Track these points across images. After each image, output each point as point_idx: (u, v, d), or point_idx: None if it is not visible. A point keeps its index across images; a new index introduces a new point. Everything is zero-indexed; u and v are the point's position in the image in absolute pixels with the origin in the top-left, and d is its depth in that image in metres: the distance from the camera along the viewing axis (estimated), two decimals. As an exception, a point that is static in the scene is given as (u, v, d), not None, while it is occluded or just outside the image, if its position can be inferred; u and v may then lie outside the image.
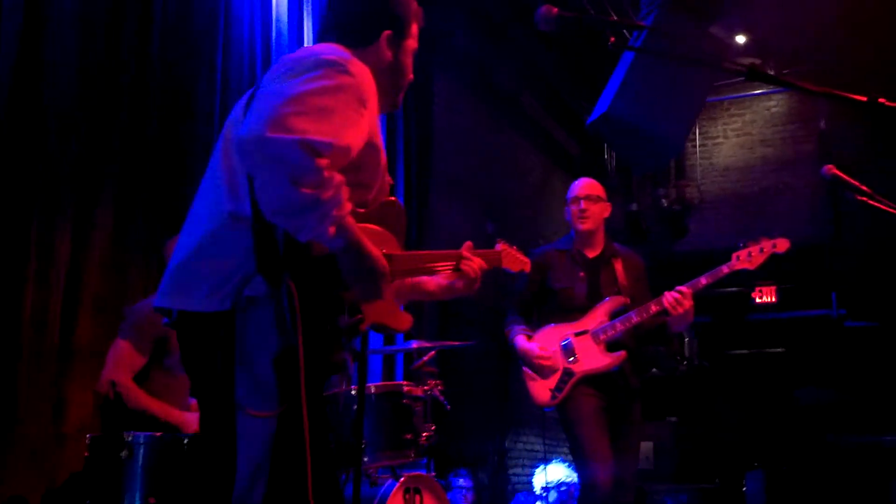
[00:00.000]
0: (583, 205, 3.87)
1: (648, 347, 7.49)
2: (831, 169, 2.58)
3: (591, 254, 3.90)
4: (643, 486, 6.72)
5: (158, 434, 2.90)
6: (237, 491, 1.82)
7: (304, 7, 5.31)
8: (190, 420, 3.31)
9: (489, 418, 7.11)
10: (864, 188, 2.48)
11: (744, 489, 6.66)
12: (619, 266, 3.87)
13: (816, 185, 8.91)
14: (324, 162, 1.71)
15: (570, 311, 3.79)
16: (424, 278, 2.40)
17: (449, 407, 3.91)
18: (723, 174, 9.85)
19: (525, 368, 3.80)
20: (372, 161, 1.99)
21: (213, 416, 1.96)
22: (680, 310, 3.58)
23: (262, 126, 1.70)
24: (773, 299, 8.97)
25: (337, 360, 1.94)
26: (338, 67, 1.86)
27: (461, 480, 5.75)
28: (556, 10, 2.18)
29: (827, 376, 8.26)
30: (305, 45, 5.14)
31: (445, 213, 6.72)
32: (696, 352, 8.88)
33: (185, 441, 2.88)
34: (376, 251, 1.88)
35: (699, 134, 9.87)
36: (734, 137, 9.88)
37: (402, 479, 3.49)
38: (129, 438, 2.83)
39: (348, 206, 1.78)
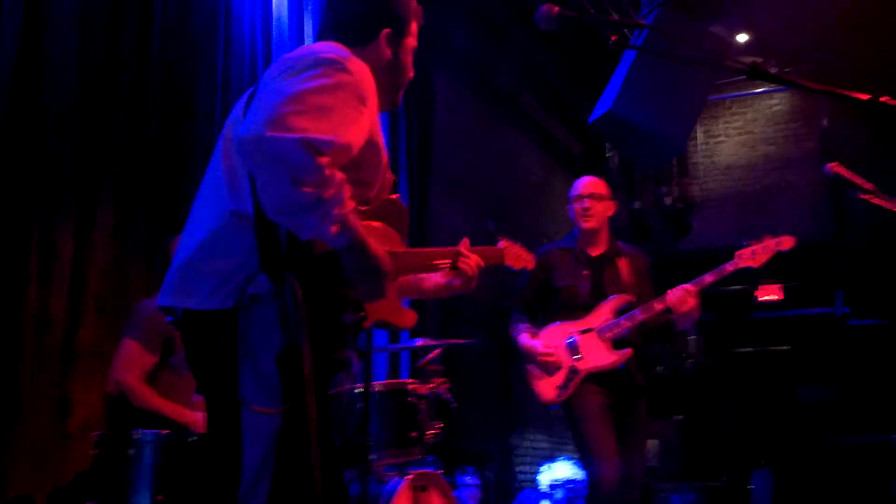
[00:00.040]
0: (586, 203, 3.87)
1: (653, 345, 7.49)
2: (834, 167, 2.58)
3: (595, 252, 3.91)
4: (650, 484, 6.73)
5: (165, 432, 2.91)
6: (242, 487, 1.83)
7: (305, 6, 5.32)
8: (200, 419, 3.32)
9: (495, 416, 7.12)
10: (867, 186, 2.49)
11: (750, 487, 6.66)
12: (623, 264, 3.88)
13: (819, 184, 8.91)
14: (325, 160, 1.72)
15: (574, 309, 3.80)
16: (422, 276, 2.39)
17: (455, 405, 3.92)
18: (725, 172, 9.84)
19: (530, 366, 3.81)
20: (373, 159, 2.00)
21: (218, 414, 1.97)
22: (685, 307, 3.59)
23: (262, 125, 1.70)
24: (778, 297, 8.97)
25: (341, 357, 1.95)
26: (337, 66, 1.87)
27: (467, 478, 5.76)
28: (556, 8, 2.19)
29: (832, 374, 8.25)
30: (306, 44, 5.15)
31: (447, 212, 6.73)
32: (701, 349, 8.88)
33: (193, 439, 2.90)
34: (380, 249, 1.88)
35: (701, 132, 9.87)
36: (736, 136, 9.88)
37: (409, 476, 3.50)
38: (137, 436, 2.85)
39: (351, 205, 1.78)
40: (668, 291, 3.63)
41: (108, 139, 3.94)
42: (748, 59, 2.20)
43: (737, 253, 3.69)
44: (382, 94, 2.07)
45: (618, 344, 3.71)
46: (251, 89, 2.05)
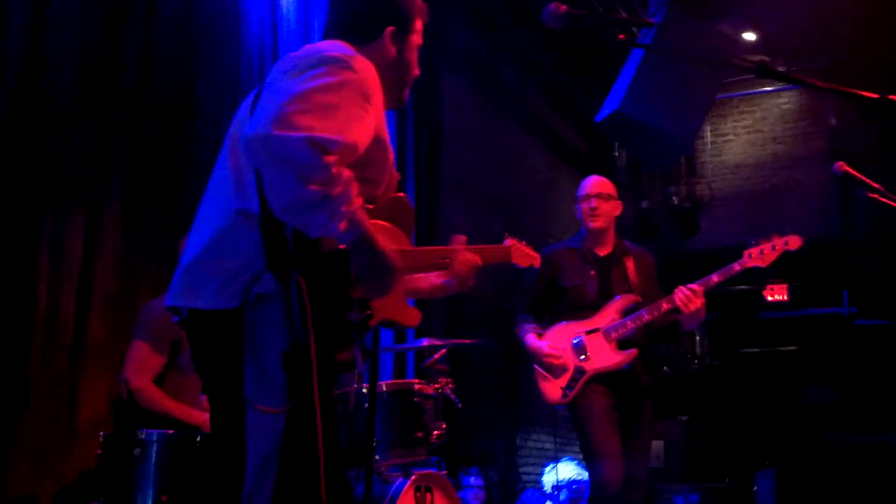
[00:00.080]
0: (594, 203, 3.86)
1: (659, 345, 7.47)
2: (842, 166, 2.57)
3: (602, 252, 3.90)
4: (654, 485, 6.71)
5: (171, 432, 2.92)
6: (246, 487, 1.83)
7: (312, 5, 5.32)
8: (209, 420, 3.32)
9: (500, 416, 7.11)
10: (876, 185, 2.47)
11: (754, 488, 6.64)
12: (630, 264, 3.87)
13: (827, 182, 8.87)
14: (331, 158, 1.71)
15: (580, 309, 3.79)
16: (417, 276, 2.38)
17: (460, 405, 3.91)
18: (733, 171, 9.81)
19: (536, 367, 3.80)
20: (379, 157, 2.00)
21: (222, 413, 1.97)
22: (692, 307, 3.58)
23: (268, 125, 1.70)
24: (785, 297, 8.94)
25: (347, 357, 1.94)
26: (341, 64, 1.86)
27: (472, 479, 5.75)
28: (564, 7, 2.18)
29: (838, 375, 8.22)
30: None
31: (454, 211, 6.72)
32: (707, 350, 8.86)
33: (198, 439, 2.90)
34: (388, 245, 1.88)
35: (709, 131, 9.83)
36: (744, 134, 9.85)
37: (414, 477, 3.49)
38: (143, 436, 2.85)
39: (359, 202, 1.78)
40: (676, 291, 3.61)
41: (114, 138, 3.95)
42: (756, 58, 2.19)
43: (744, 252, 3.67)
44: (388, 91, 2.07)
45: (623, 344, 3.70)
46: (257, 88, 2.05)
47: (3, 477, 3.28)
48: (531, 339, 3.80)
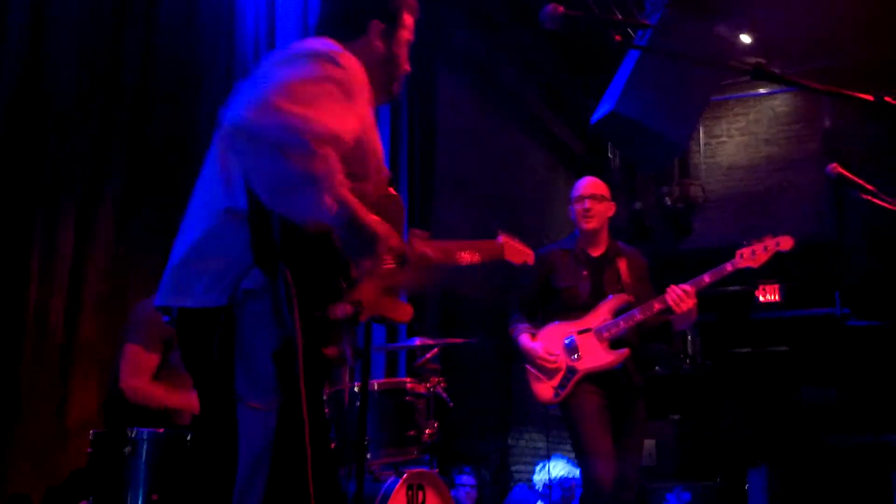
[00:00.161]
0: (587, 204, 3.87)
1: (652, 345, 7.49)
2: (836, 167, 2.57)
3: (595, 253, 3.90)
4: (645, 484, 6.73)
5: (162, 430, 2.91)
6: (238, 485, 1.82)
7: (309, 5, 5.31)
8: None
9: (492, 415, 7.11)
10: (869, 187, 2.48)
11: (746, 487, 6.66)
12: (622, 265, 3.87)
13: (821, 184, 8.90)
14: (312, 139, 1.71)
15: (573, 309, 3.80)
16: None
17: (452, 404, 3.91)
18: (727, 173, 9.83)
19: (528, 367, 3.80)
20: (366, 153, 1.98)
21: (213, 411, 1.97)
22: (683, 307, 3.58)
23: (246, 110, 1.70)
24: (777, 298, 8.96)
25: (335, 352, 1.93)
26: (326, 58, 1.87)
27: (464, 477, 5.75)
28: (561, 8, 2.19)
29: (831, 375, 8.25)
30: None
31: (449, 211, 6.72)
32: (699, 350, 8.88)
33: (189, 437, 2.89)
34: (373, 217, 1.88)
35: (703, 133, 9.86)
36: (738, 136, 9.87)
37: (405, 475, 3.49)
38: (133, 435, 2.84)
39: (343, 181, 1.78)
40: (667, 291, 3.62)
41: (109, 139, 3.94)
42: (752, 60, 2.19)
43: (737, 253, 3.68)
44: (377, 87, 2.06)
45: (615, 344, 3.70)
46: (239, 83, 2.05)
47: (1, 477, 3.27)
48: (525, 340, 3.81)
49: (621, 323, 3.69)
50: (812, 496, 6.36)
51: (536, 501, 6.16)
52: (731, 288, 8.65)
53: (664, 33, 5.33)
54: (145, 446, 2.83)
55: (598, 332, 3.71)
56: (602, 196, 3.91)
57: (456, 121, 7.04)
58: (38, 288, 3.50)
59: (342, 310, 1.87)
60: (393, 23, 2.14)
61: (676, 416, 8.09)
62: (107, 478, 2.82)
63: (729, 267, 3.65)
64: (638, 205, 9.69)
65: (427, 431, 3.62)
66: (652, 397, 3.95)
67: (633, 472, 3.67)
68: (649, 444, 7.34)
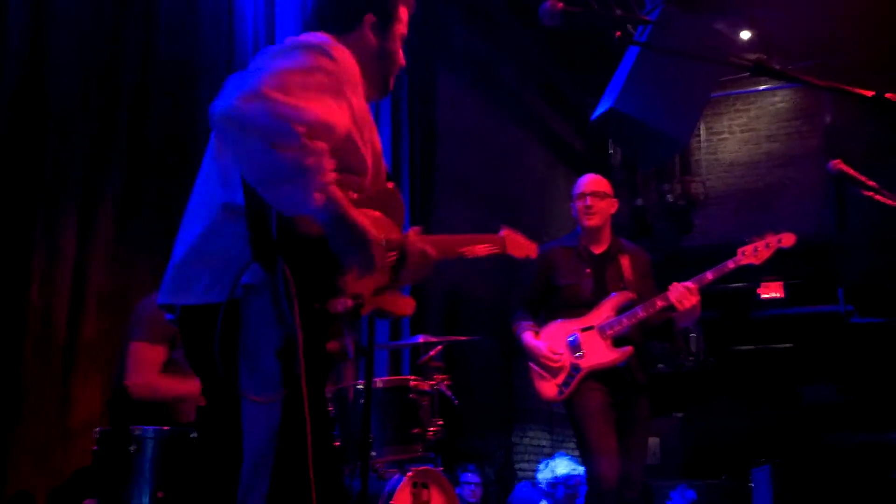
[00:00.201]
0: (589, 201, 3.87)
1: (654, 343, 7.49)
2: (838, 164, 2.57)
3: (598, 250, 3.91)
4: (650, 482, 6.73)
5: (167, 428, 2.91)
6: (243, 483, 1.82)
7: (308, 4, 5.31)
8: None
9: (496, 413, 7.12)
10: (871, 183, 2.48)
11: (750, 485, 6.66)
12: (625, 262, 3.87)
13: (822, 181, 8.89)
14: (300, 128, 1.70)
15: (576, 306, 3.80)
16: None
17: (456, 402, 3.92)
18: (728, 170, 9.83)
19: (532, 365, 3.81)
20: (360, 146, 1.97)
21: (218, 408, 1.97)
22: (686, 305, 3.59)
23: (235, 97, 1.69)
24: (780, 295, 8.96)
25: (336, 346, 1.93)
26: (318, 49, 1.87)
27: (469, 475, 5.75)
28: (560, 4, 2.18)
29: (834, 373, 8.24)
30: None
31: (450, 210, 6.73)
32: (702, 347, 8.88)
33: (193, 435, 2.89)
34: (364, 220, 1.85)
35: (704, 129, 9.85)
36: (739, 133, 9.86)
37: (410, 473, 3.49)
38: (138, 433, 2.84)
39: (333, 176, 1.77)
40: (670, 288, 3.62)
41: (109, 139, 3.94)
42: (752, 56, 2.19)
43: (739, 250, 3.68)
44: (371, 82, 2.06)
45: (618, 342, 3.71)
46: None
47: (0, 475, 3.28)
48: (528, 338, 3.81)
49: (624, 320, 3.69)
50: (816, 494, 6.35)
51: (540, 499, 6.16)
52: (734, 285, 8.64)
53: (664, 29, 5.32)
54: (150, 444, 2.83)
55: (602, 330, 3.71)
56: (604, 193, 3.91)
57: (456, 120, 7.05)
58: (39, 288, 3.50)
59: (342, 303, 1.86)
60: (387, 17, 2.13)
61: (680, 414, 8.09)
62: (112, 476, 2.82)
63: (731, 264, 3.65)
64: (639, 202, 9.68)
65: (431, 429, 3.62)
66: (655, 395, 3.95)
67: (638, 471, 3.67)
68: (653, 442, 7.35)
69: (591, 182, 3.94)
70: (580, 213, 3.89)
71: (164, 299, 1.96)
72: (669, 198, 9.63)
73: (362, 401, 3.35)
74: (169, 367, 3.34)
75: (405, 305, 2.17)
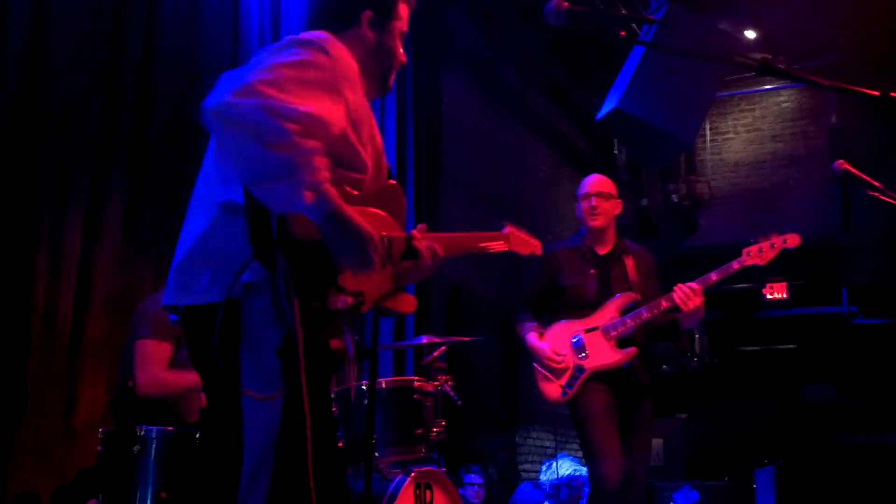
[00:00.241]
0: (594, 202, 3.86)
1: (659, 344, 7.48)
2: (843, 164, 2.57)
3: (602, 250, 3.90)
4: (653, 483, 6.72)
5: (171, 428, 2.91)
6: (243, 481, 1.82)
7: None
8: None
9: (499, 414, 7.11)
10: (876, 183, 2.47)
11: (753, 486, 6.65)
12: (629, 263, 3.86)
13: (827, 181, 8.87)
14: (292, 126, 1.69)
15: (580, 307, 3.79)
16: None
17: (460, 402, 3.91)
18: (733, 170, 9.81)
19: (536, 366, 3.80)
20: (357, 143, 1.96)
21: (220, 407, 1.97)
22: (690, 305, 3.57)
23: (227, 92, 1.69)
24: (784, 296, 8.94)
25: (335, 344, 1.92)
26: (314, 46, 1.86)
27: (472, 476, 5.75)
28: (566, 3, 2.17)
29: (838, 373, 8.22)
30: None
31: (454, 209, 6.72)
32: (706, 348, 8.86)
33: (197, 435, 2.89)
34: (359, 218, 1.84)
35: (709, 129, 9.84)
36: (744, 133, 9.85)
37: (413, 474, 3.49)
38: (142, 433, 2.84)
39: (326, 174, 1.76)
40: (674, 289, 3.61)
41: (109, 139, 3.94)
42: (757, 56, 2.18)
43: (743, 251, 3.67)
44: (369, 79, 2.05)
45: (623, 343, 3.70)
46: None
47: (4, 476, 3.28)
48: (532, 339, 3.80)
49: (628, 321, 3.68)
50: (820, 496, 6.33)
51: (543, 500, 6.16)
52: (738, 286, 8.63)
53: (669, 29, 5.31)
54: (154, 444, 2.83)
55: (606, 331, 3.70)
56: (609, 194, 3.90)
57: (460, 119, 7.05)
58: (45, 288, 3.51)
59: (343, 301, 1.85)
60: (386, 13, 2.12)
61: (683, 415, 8.08)
62: (116, 476, 2.82)
63: (736, 265, 3.64)
64: (644, 202, 9.67)
65: (435, 430, 3.61)
66: (659, 396, 3.94)
67: (641, 472, 3.66)
68: (657, 443, 7.33)
69: (595, 182, 3.93)
70: (585, 214, 3.89)
71: (169, 300, 1.97)
72: (674, 198, 9.62)
73: (366, 401, 3.35)
74: (174, 367, 3.34)
75: (407, 303, 2.17)
